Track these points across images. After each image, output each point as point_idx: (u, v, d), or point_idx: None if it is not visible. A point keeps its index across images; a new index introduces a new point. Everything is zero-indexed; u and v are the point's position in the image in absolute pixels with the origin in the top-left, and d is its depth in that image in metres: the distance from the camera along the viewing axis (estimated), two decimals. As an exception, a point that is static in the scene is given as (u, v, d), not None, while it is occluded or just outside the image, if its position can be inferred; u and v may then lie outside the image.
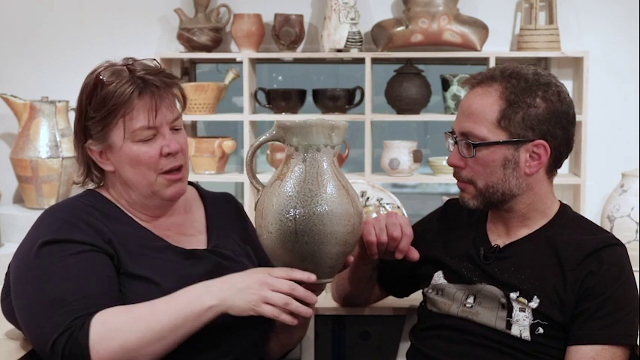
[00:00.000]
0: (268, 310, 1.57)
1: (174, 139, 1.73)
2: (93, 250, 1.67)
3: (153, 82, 1.70)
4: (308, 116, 3.22)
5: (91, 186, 1.83)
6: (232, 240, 1.86)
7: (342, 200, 1.60)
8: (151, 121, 1.69)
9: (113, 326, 1.56)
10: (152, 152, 1.71)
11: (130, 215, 1.78)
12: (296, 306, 1.58)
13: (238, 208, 1.96)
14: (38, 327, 1.60)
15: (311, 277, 1.60)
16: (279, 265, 1.63)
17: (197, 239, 1.83)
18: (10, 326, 1.83)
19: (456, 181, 1.89)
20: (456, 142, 1.85)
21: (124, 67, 1.72)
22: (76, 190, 3.07)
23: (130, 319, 1.58)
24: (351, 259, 1.69)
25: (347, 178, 1.67)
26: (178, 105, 1.78)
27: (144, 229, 1.77)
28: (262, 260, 1.82)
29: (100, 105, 1.69)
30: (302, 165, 1.60)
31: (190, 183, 1.92)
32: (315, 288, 1.67)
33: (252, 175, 1.68)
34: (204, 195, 1.93)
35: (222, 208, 1.92)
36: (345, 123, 1.63)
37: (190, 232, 1.84)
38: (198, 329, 1.60)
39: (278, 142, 1.67)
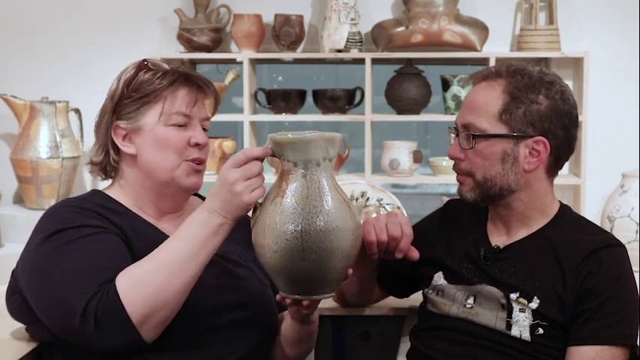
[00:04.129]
0: (258, 194, 1.57)
1: (202, 133, 1.79)
2: (108, 232, 1.68)
3: (196, 78, 1.79)
4: (308, 117, 3.23)
5: (100, 186, 1.85)
6: (239, 246, 1.86)
7: (345, 215, 1.58)
8: (188, 109, 1.76)
9: (138, 275, 1.57)
10: (182, 138, 1.75)
11: (137, 213, 1.79)
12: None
13: (245, 217, 1.97)
14: (64, 301, 1.58)
15: (267, 150, 1.58)
16: (282, 283, 1.61)
17: None
18: (15, 326, 1.83)
19: (456, 181, 1.90)
20: (457, 136, 1.86)
21: (165, 64, 1.82)
22: (79, 190, 3.08)
23: (150, 264, 1.58)
24: (351, 271, 1.67)
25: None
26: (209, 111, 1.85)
27: (152, 226, 1.78)
28: None
29: (142, 85, 1.75)
30: (303, 180, 1.56)
31: (197, 194, 1.94)
32: (317, 304, 1.67)
33: None
34: None
35: None
36: (340, 135, 1.60)
37: None
38: (216, 250, 1.62)
39: None
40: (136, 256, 1.67)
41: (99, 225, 1.68)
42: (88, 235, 1.65)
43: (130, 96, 1.75)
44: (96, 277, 1.57)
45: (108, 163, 1.80)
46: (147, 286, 1.55)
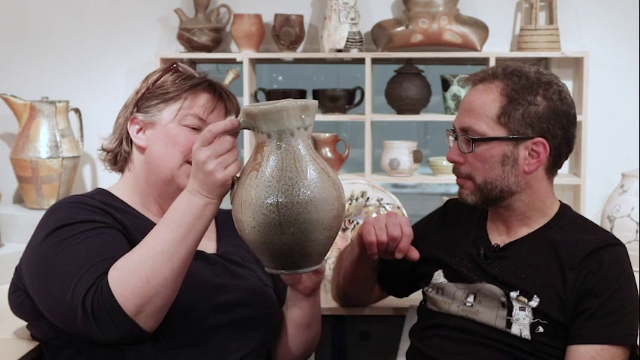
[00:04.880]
0: (232, 170, 1.53)
1: None
2: (111, 227, 1.68)
3: (220, 87, 1.82)
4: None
5: (102, 183, 1.84)
6: (242, 247, 1.87)
7: (324, 185, 1.51)
8: (205, 114, 1.78)
9: (126, 266, 1.55)
10: (191, 139, 1.74)
11: (141, 212, 1.80)
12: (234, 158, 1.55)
13: None
14: (65, 295, 1.57)
15: (233, 122, 1.55)
16: (264, 259, 1.56)
17: (206, 244, 1.83)
18: (17, 325, 1.83)
19: (455, 181, 1.90)
20: (456, 139, 1.86)
21: (197, 72, 1.86)
22: (79, 190, 3.08)
23: (137, 254, 1.56)
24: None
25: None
26: None
27: (155, 224, 1.78)
28: None
29: (166, 84, 1.79)
30: (278, 152, 1.50)
31: None
32: (307, 275, 1.66)
33: None
34: None
35: (231, 220, 1.94)
36: (314, 101, 1.54)
37: None
38: (204, 232, 1.59)
39: None
40: None
41: (102, 220, 1.68)
42: (90, 230, 1.65)
43: (154, 92, 1.79)
44: (94, 268, 1.57)
45: (119, 152, 1.82)
46: (135, 277, 1.54)
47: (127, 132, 1.80)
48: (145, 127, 1.79)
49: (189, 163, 1.76)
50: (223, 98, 1.82)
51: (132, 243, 1.69)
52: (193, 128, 1.77)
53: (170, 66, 1.83)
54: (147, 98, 1.79)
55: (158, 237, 1.57)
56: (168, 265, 1.55)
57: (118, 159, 1.83)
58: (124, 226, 1.71)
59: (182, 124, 1.77)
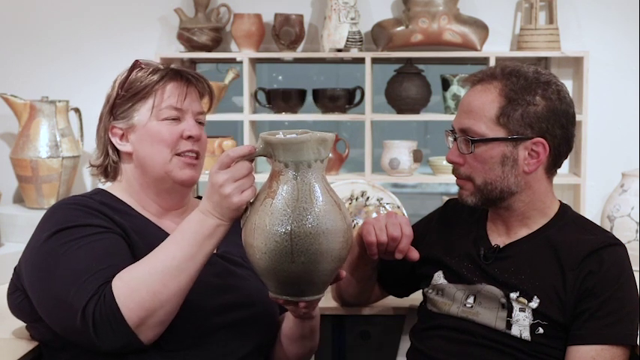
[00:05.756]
0: (248, 195, 1.55)
1: (196, 126, 1.80)
2: (111, 232, 1.68)
3: (186, 72, 1.81)
4: (307, 116, 3.24)
5: (101, 184, 1.86)
6: (241, 247, 1.87)
7: (336, 217, 1.55)
8: (179, 102, 1.78)
9: (133, 278, 1.56)
10: (174, 132, 1.77)
11: (140, 212, 1.80)
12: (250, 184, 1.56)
13: None
14: (65, 301, 1.58)
15: (251, 148, 1.55)
16: (272, 284, 1.59)
17: None
18: (16, 325, 1.83)
19: (455, 182, 1.90)
20: (455, 139, 1.86)
21: (160, 64, 1.85)
22: (79, 189, 3.08)
23: (145, 267, 1.58)
24: (344, 273, 1.65)
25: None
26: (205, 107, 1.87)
27: (155, 225, 1.78)
28: None
29: (133, 84, 1.78)
30: (294, 182, 1.54)
31: (201, 197, 1.94)
32: (308, 305, 1.64)
33: None
34: None
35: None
36: (332, 135, 1.57)
37: None
38: (213, 251, 1.61)
39: None
40: (137, 255, 1.67)
41: (101, 224, 1.68)
42: (90, 235, 1.65)
43: (123, 95, 1.78)
44: (96, 277, 1.58)
45: (108, 164, 1.82)
46: (142, 290, 1.55)
47: (111, 142, 1.80)
48: (126, 133, 1.79)
49: (178, 155, 1.77)
50: (192, 81, 1.81)
51: (131, 246, 1.69)
52: (173, 119, 1.77)
53: (133, 65, 1.82)
54: (119, 104, 1.79)
55: (168, 252, 1.59)
56: (176, 280, 1.57)
57: (108, 170, 1.84)
58: (123, 229, 1.71)
59: (160, 118, 1.77)
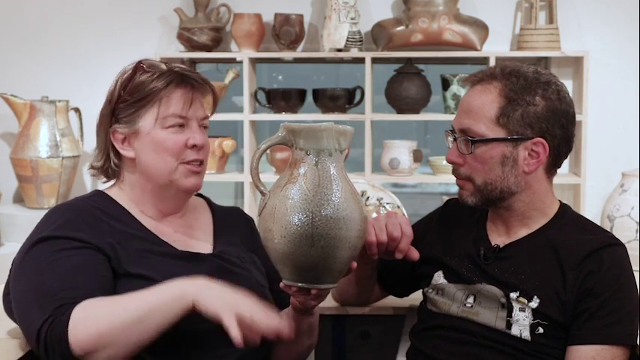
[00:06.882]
0: (234, 329, 1.52)
1: (201, 134, 1.78)
2: (89, 248, 1.67)
3: (192, 77, 1.78)
4: (307, 116, 3.24)
5: (102, 184, 1.86)
6: (239, 248, 1.86)
7: (354, 205, 1.60)
8: (184, 110, 1.76)
9: (92, 312, 1.56)
10: (178, 140, 1.75)
11: (136, 217, 1.79)
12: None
13: (247, 219, 1.98)
14: (27, 318, 1.61)
15: (284, 331, 1.56)
16: (286, 271, 1.60)
17: (203, 244, 1.84)
18: (11, 325, 1.83)
19: (455, 182, 1.90)
20: (455, 139, 1.86)
21: (163, 64, 1.81)
22: (79, 189, 3.08)
23: (108, 306, 1.57)
24: (355, 265, 1.67)
25: (347, 172, 1.67)
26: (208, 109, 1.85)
27: (148, 231, 1.78)
28: (270, 270, 1.82)
29: (138, 88, 1.75)
30: (315, 169, 1.58)
31: (200, 195, 1.94)
32: (321, 294, 1.65)
33: (259, 179, 1.64)
34: (214, 206, 1.96)
35: (229, 218, 1.94)
36: (351, 129, 1.63)
37: (197, 236, 1.85)
38: (171, 324, 1.57)
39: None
40: (124, 264, 1.68)
41: (82, 239, 1.68)
42: (68, 250, 1.65)
43: (126, 99, 1.76)
44: (55, 298, 1.58)
45: (109, 166, 1.81)
46: (93, 326, 1.54)
47: (112, 144, 1.79)
48: (128, 138, 1.77)
49: (184, 163, 1.76)
50: (197, 87, 1.79)
51: (117, 260, 1.69)
52: (179, 126, 1.76)
53: (136, 66, 1.79)
54: (122, 108, 1.76)
55: (136, 301, 1.57)
56: (125, 333, 1.55)
57: (109, 172, 1.83)
58: (111, 242, 1.70)
59: (165, 126, 1.75)
